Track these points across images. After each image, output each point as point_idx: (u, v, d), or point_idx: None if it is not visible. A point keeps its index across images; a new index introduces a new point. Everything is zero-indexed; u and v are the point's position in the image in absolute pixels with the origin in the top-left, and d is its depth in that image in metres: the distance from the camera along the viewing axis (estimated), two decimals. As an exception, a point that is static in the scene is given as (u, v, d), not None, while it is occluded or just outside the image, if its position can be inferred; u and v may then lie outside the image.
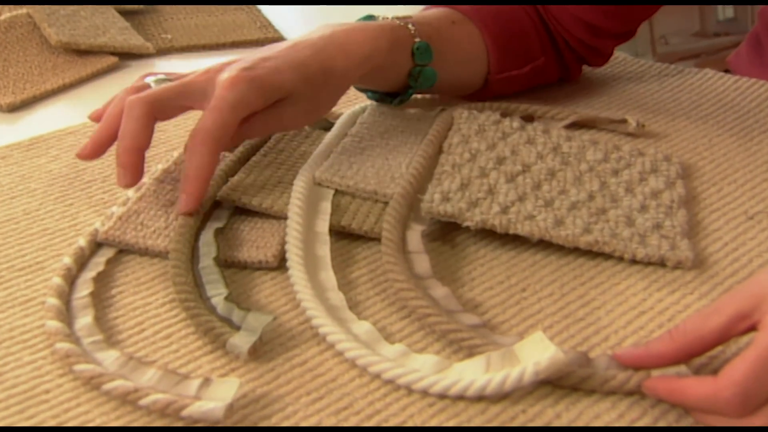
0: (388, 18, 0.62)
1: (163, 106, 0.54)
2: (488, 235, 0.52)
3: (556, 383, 0.41)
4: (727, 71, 0.77)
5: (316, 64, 0.55)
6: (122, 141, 0.53)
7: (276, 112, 0.55)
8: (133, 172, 0.53)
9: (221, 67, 0.54)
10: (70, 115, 0.71)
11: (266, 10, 0.93)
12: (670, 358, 0.40)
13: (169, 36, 0.86)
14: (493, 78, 0.67)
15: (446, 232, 0.53)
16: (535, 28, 0.68)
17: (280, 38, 0.87)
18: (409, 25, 0.61)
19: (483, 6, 0.66)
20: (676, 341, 0.40)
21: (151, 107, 0.53)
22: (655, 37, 1.84)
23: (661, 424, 0.40)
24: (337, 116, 0.65)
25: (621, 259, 0.50)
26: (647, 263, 0.50)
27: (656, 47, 1.84)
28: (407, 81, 0.62)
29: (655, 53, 1.83)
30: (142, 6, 0.90)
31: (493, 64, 0.66)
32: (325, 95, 0.58)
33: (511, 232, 0.50)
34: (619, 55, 0.78)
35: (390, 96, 0.64)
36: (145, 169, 0.60)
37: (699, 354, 0.40)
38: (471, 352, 0.43)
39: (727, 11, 1.89)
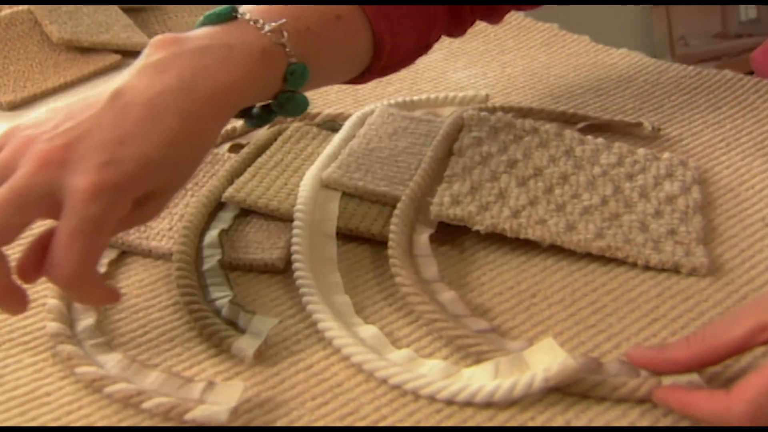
0: (253, 23, 0.49)
1: None
2: (498, 239, 0.53)
3: (566, 390, 0.42)
4: (750, 73, 0.77)
5: (185, 138, 0.44)
6: None
7: (138, 212, 0.44)
8: None
9: (60, 154, 0.41)
10: (71, 113, 0.73)
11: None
12: (684, 365, 0.41)
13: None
14: (373, 71, 0.58)
15: (455, 236, 0.54)
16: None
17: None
18: (284, 41, 0.49)
19: None
20: (692, 349, 0.41)
21: None
22: (674, 38, 1.84)
23: (673, 432, 0.40)
24: (345, 118, 0.66)
25: (634, 265, 0.51)
26: (661, 270, 0.51)
27: (675, 49, 1.84)
28: (269, 103, 0.52)
29: (674, 55, 1.84)
30: (145, 3, 0.92)
31: (374, 64, 0.57)
32: (193, 168, 0.46)
33: (521, 236, 0.51)
34: (636, 55, 0.79)
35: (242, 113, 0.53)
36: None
37: (714, 363, 0.41)
38: (479, 358, 0.44)
39: (750, 12, 1.90)
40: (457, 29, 0.63)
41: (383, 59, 0.57)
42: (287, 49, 0.49)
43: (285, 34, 0.49)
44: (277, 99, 0.51)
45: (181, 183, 0.46)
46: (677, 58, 1.85)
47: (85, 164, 0.40)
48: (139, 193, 0.42)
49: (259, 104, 0.52)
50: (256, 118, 0.53)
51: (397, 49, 0.57)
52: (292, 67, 0.49)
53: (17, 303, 0.42)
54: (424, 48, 0.61)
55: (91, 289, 0.42)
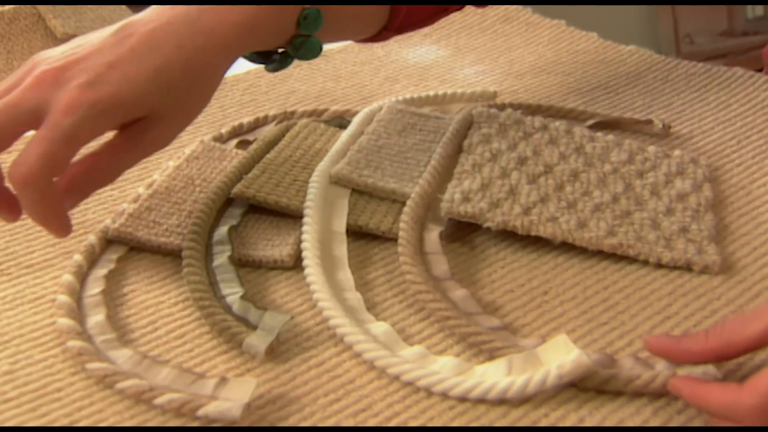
0: None
1: None
2: (508, 236, 0.54)
3: (580, 385, 0.42)
4: (759, 70, 0.78)
5: (180, 66, 0.46)
6: None
7: (133, 139, 0.47)
8: None
9: (54, 75, 0.45)
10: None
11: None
12: (700, 357, 0.42)
13: (178, 29, 0.87)
14: (389, 29, 0.61)
15: (465, 233, 0.55)
16: None
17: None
18: None
19: None
20: (710, 341, 0.41)
21: None
22: (679, 36, 1.85)
23: None
24: (354, 114, 0.67)
25: (646, 262, 0.51)
26: (673, 267, 0.51)
27: (681, 47, 1.85)
28: (286, 47, 0.54)
29: (679, 53, 1.84)
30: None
31: (390, 22, 0.60)
32: (195, 100, 0.49)
33: (533, 233, 0.52)
34: (645, 52, 0.79)
35: (263, 58, 0.56)
36: (156, 166, 0.62)
37: (730, 358, 0.42)
38: (492, 355, 0.45)
39: (756, 9, 1.90)
40: None
41: (399, 18, 0.60)
42: None
43: None
44: (291, 43, 0.53)
45: (182, 114, 0.48)
46: (683, 56, 1.86)
47: (71, 83, 0.44)
48: (122, 115, 0.45)
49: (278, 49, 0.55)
50: (274, 62, 0.55)
51: (414, 11, 0.61)
52: (305, 12, 0.51)
53: (9, 208, 0.47)
54: (443, 11, 0.64)
55: (44, 199, 0.44)
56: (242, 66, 0.78)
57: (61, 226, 0.46)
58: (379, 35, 0.62)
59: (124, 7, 0.88)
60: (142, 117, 0.47)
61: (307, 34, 0.53)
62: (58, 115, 0.43)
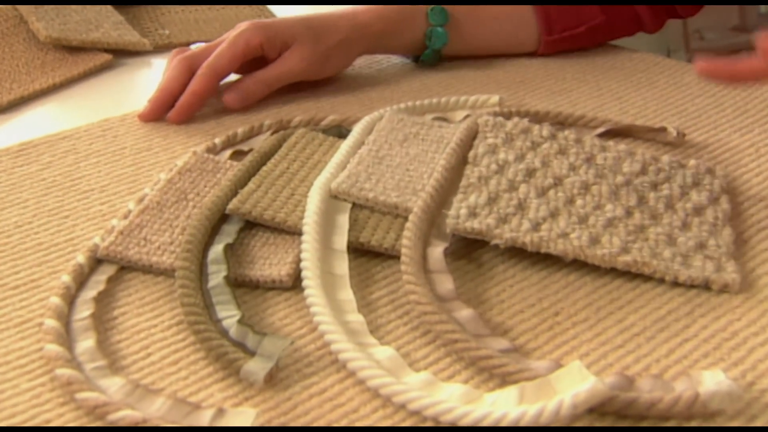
0: None
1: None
2: (517, 253, 0.53)
3: (599, 410, 0.42)
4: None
5: (319, 19, 0.73)
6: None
7: (283, 57, 0.72)
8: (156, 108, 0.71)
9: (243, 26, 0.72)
10: (61, 117, 0.73)
11: (273, 6, 0.94)
12: (750, 74, 0.52)
13: (167, 31, 0.87)
14: (544, 39, 0.77)
15: (471, 250, 0.55)
16: None
17: (286, 34, 0.88)
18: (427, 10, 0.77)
19: None
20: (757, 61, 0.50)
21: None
22: (688, 31, 1.84)
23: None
24: (353, 122, 0.67)
25: (661, 281, 0.51)
26: (690, 286, 0.51)
27: (690, 43, 1.84)
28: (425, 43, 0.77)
29: (688, 49, 1.84)
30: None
31: (542, 25, 0.76)
32: (331, 50, 0.73)
33: (543, 250, 0.52)
34: (656, 56, 0.79)
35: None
36: (147, 179, 0.62)
37: None
38: (504, 380, 0.44)
39: (771, 4, 1.90)
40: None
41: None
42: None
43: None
44: (426, 35, 0.77)
45: (311, 51, 0.72)
46: (692, 53, 1.85)
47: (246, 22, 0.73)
48: (270, 33, 0.71)
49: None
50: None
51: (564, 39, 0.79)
52: (432, 7, 0.76)
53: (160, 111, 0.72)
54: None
55: (188, 73, 0.71)
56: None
57: (164, 99, 0.71)
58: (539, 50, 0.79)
59: (110, 9, 0.87)
60: (289, 44, 0.72)
61: (435, 24, 0.76)
62: (230, 33, 0.71)
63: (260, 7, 0.93)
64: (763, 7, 1.87)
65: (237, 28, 0.71)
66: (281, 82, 0.72)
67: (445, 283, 0.51)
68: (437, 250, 0.53)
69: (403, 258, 0.51)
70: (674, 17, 0.80)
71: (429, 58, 0.78)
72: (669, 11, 0.78)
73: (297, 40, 0.71)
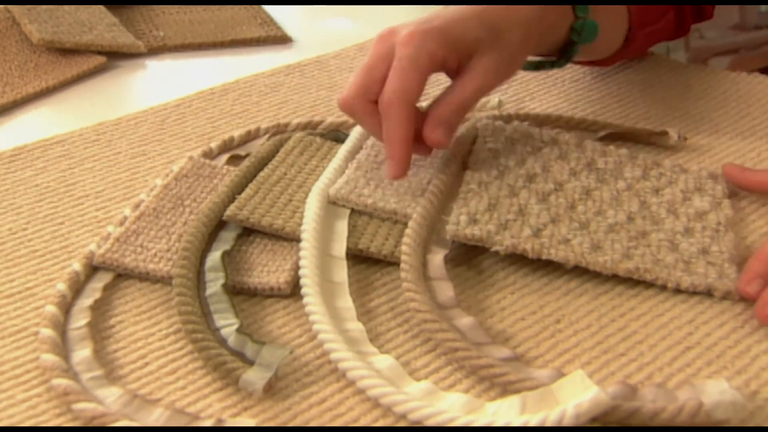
0: None
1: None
2: (517, 260, 0.54)
3: (602, 419, 0.42)
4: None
5: (491, 15, 0.59)
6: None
7: (472, 70, 0.58)
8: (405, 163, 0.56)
9: (389, 30, 0.58)
10: (55, 121, 0.73)
11: (268, 5, 0.94)
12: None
13: (162, 33, 0.87)
14: (636, 34, 0.70)
15: (471, 257, 0.55)
16: None
17: (283, 36, 0.88)
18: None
19: None
20: None
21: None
22: (689, 29, 1.85)
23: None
24: (351, 126, 0.67)
25: (664, 287, 0.51)
26: (692, 292, 0.51)
27: (690, 41, 1.85)
28: (567, 39, 0.64)
29: (688, 48, 1.84)
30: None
31: (635, 20, 0.69)
32: (515, 52, 0.60)
33: (544, 257, 0.52)
34: (659, 56, 0.79)
35: (550, 62, 0.67)
36: (143, 184, 0.62)
37: None
38: (505, 389, 0.45)
39: (771, 1, 1.90)
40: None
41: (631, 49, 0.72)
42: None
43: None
44: (573, 29, 0.63)
45: (497, 54, 0.58)
46: (692, 52, 1.86)
47: (409, 25, 0.57)
48: (450, 41, 0.57)
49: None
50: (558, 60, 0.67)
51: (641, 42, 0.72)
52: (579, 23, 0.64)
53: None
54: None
55: (402, 122, 0.55)
56: (232, 74, 0.78)
57: (405, 151, 0.55)
58: (625, 47, 0.71)
59: (104, 10, 0.87)
60: (473, 51, 0.58)
61: (584, 16, 0.63)
62: (402, 48, 0.55)
63: (255, 7, 0.93)
64: (763, 6, 1.87)
65: (400, 40, 0.56)
66: (476, 102, 0.60)
67: (446, 291, 0.51)
68: (437, 257, 0.53)
69: (402, 265, 0.52)
70: (700, 20, 0.78)
71: (573, 55, 0.66)
72: (697, 14, 0.77)
73: (480, 46, 0.57)
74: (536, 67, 0.67)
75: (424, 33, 0.55)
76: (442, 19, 0.57)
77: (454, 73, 0.58)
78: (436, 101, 0.58)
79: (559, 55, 0.66)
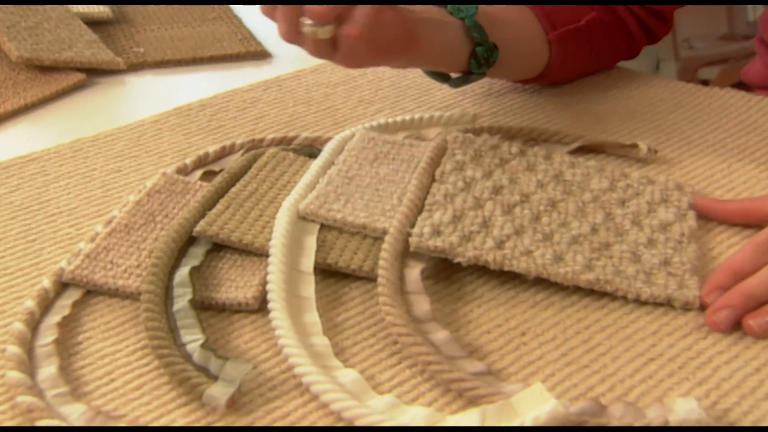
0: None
1: None
2: (487, 272, 0.54)
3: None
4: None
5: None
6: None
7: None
8: None
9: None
10: (32, 138, 0.73)
11: (249, 21, 0.95)
12: (733, 214, 0.58)
13: (142, 50, 0.88)
14: (551, 36, 0.72)
15: (441, 269, 0.55)
16: None
17: (263, 52, 0.89)
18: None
19: None
20: (744, 203, 0.57)
21: None
22: (677, 40, 1.86)
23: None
24: (324, 141, 0.67)
25: (629, 299, 0.52)
26: (656, 304, 0.51)
27: (679, 51, 1.86)
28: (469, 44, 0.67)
29: (678, 58, 1.85)
30: (112, 16, 0.92)
31: (544, 23, 0.72)
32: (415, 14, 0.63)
33: (506, 268, 0.52)
34: (633, 71, 0.80)
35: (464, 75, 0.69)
36: (117, 201, 0.62)
37: (758, 222, 0.56)
38: (475, 403, 0.45)
39: (757, 11, 1.91)
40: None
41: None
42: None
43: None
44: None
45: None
46: (682, 62, 1.87)
47: None
48: None
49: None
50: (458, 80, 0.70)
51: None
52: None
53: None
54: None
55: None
56: (212, 89, 0.79)
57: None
58: (551, 60, 0.74)
59: (85, 27, 0.88)
60: None
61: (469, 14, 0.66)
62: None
63: (236, 23, 0.94)
64: (751, 15, 1.88)
65: None
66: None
67: (422, 304, 0.51)
68: (414, 272, 0.54)
69: (380, 279, 0.52)
70: (652, 42, 0.80)
71: (483, 54, 0.67)
72: (649, 30, 0.79)
73: None
74: (464, 80, 0.69)
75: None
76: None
77: None
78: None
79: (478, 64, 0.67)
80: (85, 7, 0.92)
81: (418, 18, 0.63)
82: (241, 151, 0.68)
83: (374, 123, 0.69)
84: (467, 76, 0.69)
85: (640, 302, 0.52)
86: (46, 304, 0.52)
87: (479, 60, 0.67)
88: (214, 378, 0.46)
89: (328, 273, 0.55)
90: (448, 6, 0.67)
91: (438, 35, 0.64)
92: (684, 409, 0.43)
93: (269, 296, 0.51)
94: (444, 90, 0.78)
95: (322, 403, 0.46)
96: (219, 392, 0.45)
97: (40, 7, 0.88)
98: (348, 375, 0.47)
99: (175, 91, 0.82)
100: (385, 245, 0.54)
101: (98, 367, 0.49)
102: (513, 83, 0.78)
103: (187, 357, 0.48)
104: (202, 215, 0.58)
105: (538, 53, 0.73)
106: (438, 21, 0.65)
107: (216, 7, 0.97)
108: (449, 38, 0.65)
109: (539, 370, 0.48)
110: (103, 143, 0.71)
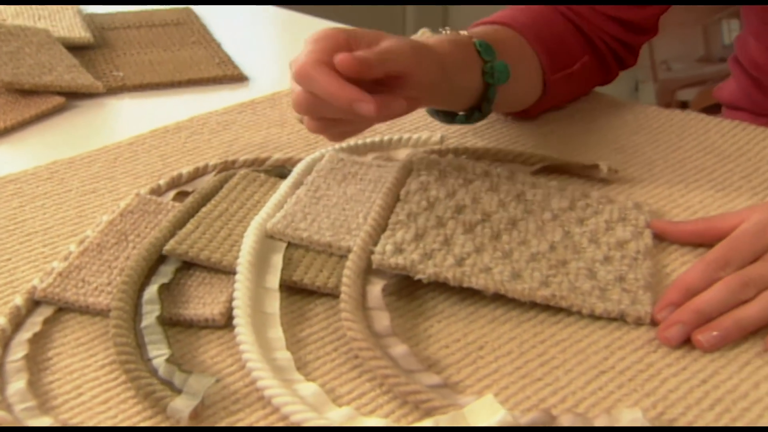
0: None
1: None
2: (447, 288, 0.56)
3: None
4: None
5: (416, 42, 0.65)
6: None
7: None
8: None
9: None
10: (11, 161, 0.75)
11: (227, 45, 0.97)
12: (689, 235, 0.60)
13: (121, 74, 0.90)
14: (549, 79, 0.75)
15: (404, 286, 0.57)
16: (571, 29, 0.77)
17: (240, 75, 0.91)
18: (462, 31, 0.70)
19: (518, 14, 0.76)
20: (698, 224, 0.60)
21: None
22: (656, 62, 1.89)
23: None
24: (295, 162, 0.69)
25: (583, 314, 0.53)
26: (610, 319, 0.53)
27: (657, 73, 1.89)
28: (484, 84, 0.68)
29: (656, 80, 1.88)
30: (93, 41, 0.94)
31: (546, 66, 0.75)
32: (430, 65, 0.64)
33: (465, 285, 0.54)
34: (600, 95, 0.82)
35: (478, 110, 0.71)
36: (91, 221, 0.64)
37: (711, 240, 0.58)
38: (430, 414, 0.46)
39: (732, 35, 1.95)
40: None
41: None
42: (467, 33, 0.70)
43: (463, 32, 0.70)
44: (484, 72, 0.68)
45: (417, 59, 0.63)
46: (660, 83, 1.89)
47: None
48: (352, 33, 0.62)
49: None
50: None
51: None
52: (477, 41, 0.68)
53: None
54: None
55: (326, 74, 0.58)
56: (189, 112, 0.81)
57: (356, 91, 0.57)
58: (544, 95, 0.76)
59: (65, 52, 0.89)
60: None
61: (490, 60, 0.68)
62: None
63: (214, 47, 0.96)
64: (726, 39, 1.91)
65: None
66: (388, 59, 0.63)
67: (382, 320, 0.53)
68: (376, 288, 0.55)
69: (342, 296, 0.54)
70: (624, 68, 0.83)
71: (494, 96, 0.69)
72: (621, 61, 0.81)
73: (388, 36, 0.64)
74: (466, 118, 0.71)
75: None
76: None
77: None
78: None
79: (482, 100, 0.69)
80: (66, 31, 0.94)
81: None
82: (214, 172, 0.70)
83: (344, 144, 0.71)
84: (472, 112, 0.70)
85: (594, 317, 0.53)
86: (18, 321, 0.53)
87: (493, 74, 0.68)
88: (179, 391, 0.48)
89: (294, 290, 0.56)
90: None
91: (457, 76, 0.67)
92: (629, 419, 0.44)
93: (235, 312, 0.53)
94: (414, 113, 0.80)
95: (282, 415, 0.47)
96: (182, 405, 0.47)
97: (21, 32, 0.90)
98: (309, 388, 0.48)
99: (154, 114, 0.83)
100: (348, 263, 0.56)
101: (67, 381, 0.50)
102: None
103: (153, 371, 0.49)
104: (173, 234, 0.59)
105: (533, 90, 0.76)
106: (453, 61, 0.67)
107: (195, 31, 0.99)
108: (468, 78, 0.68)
109: (494, 383, 0.49)
110: (80, 165, 0.72)
